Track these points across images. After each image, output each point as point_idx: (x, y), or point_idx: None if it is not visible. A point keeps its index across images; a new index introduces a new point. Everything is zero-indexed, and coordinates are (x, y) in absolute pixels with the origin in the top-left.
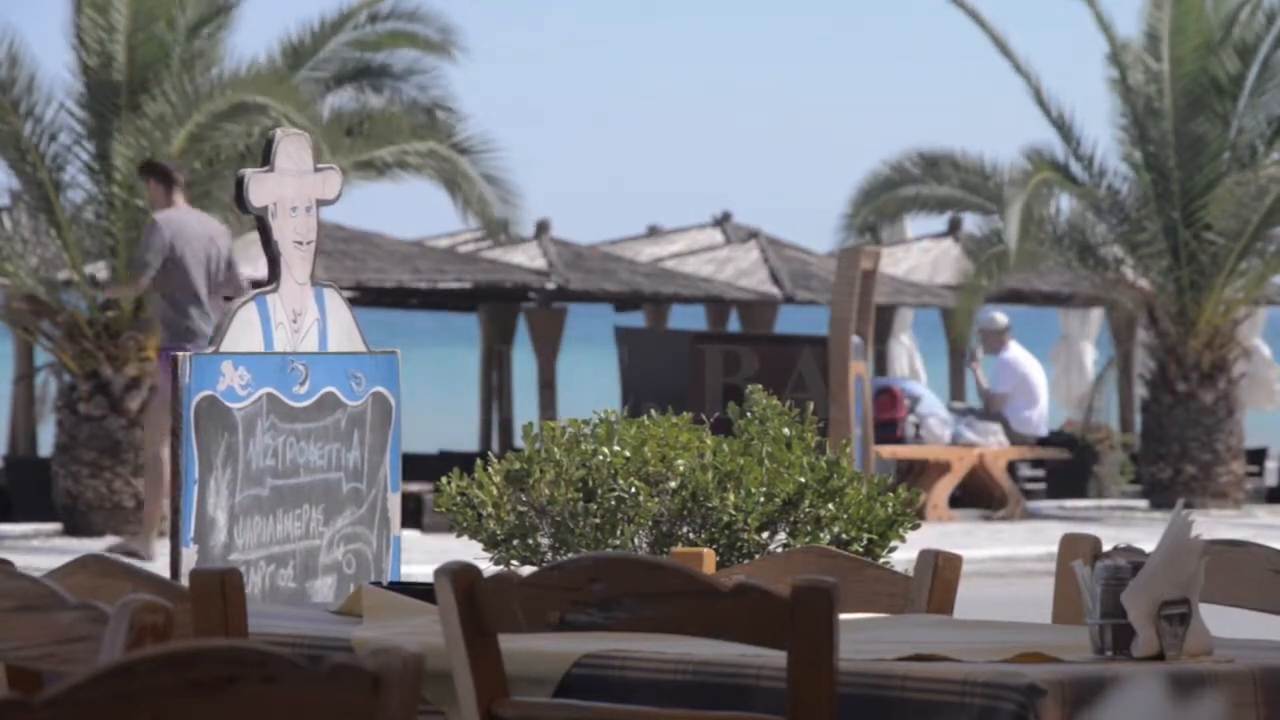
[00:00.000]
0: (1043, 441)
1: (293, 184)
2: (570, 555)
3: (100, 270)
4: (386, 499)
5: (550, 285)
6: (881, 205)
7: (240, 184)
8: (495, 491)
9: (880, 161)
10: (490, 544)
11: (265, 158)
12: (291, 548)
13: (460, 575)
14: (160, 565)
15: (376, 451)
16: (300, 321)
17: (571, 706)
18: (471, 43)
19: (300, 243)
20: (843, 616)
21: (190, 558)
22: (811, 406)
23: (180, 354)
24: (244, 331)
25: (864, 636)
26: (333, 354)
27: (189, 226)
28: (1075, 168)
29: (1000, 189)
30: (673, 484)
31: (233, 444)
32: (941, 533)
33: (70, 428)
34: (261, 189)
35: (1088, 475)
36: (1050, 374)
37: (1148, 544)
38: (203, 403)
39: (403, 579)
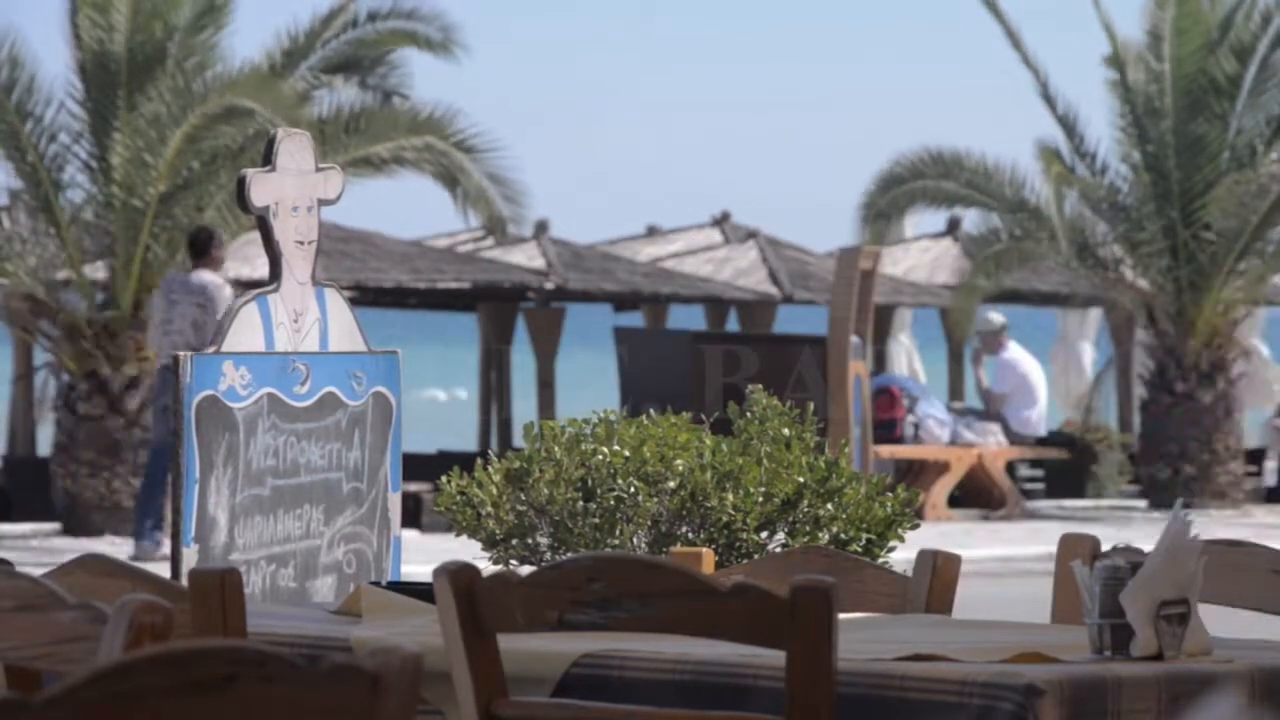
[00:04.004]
0: (1041, 441)
1: (294, 184)
2: (569, 555)
3: (99, 270)
4: (387, 499)
5: (549, 285)
6: (894, 198)
7: (241, 184)
8: (495, 491)
9: (890, 159)
10: (489, 543)
11: (266, 158)
12: (292, 547)
13: (459, 575)
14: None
15: (377, 451)
16: (301, 321)
17: (570, 706)
18: (472, 42)
19: (301, 243)
20: (842, 616)
21: (190, 557)
22: (811, 406)
23: (180, 354)
24: (245, 331)
25: (863, 636)
26: (334, 354)
27: None
28: (1078, 166)
29: (1004, 188)
30: (672, 484)
31: (234, 444)
32: (941, 533)
33: (69, 427)
34: (262, 189)
35: (1086, 475)
36: (1049, 374)
37: (1147, 544)
38: (204, 402)
39: (402, 579)
